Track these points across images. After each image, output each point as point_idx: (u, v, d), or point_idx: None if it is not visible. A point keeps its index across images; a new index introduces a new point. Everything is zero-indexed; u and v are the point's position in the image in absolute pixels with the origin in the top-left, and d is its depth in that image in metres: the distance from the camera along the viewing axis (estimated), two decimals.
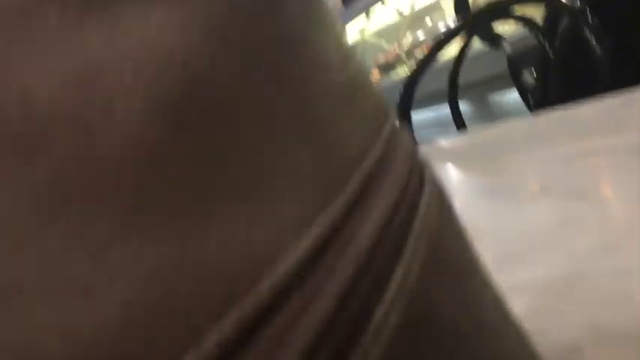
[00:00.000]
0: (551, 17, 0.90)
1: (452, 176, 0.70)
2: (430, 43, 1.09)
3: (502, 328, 0.16)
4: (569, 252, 0.40)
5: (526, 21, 0.96)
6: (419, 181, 0.15)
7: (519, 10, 0.98)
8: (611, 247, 0.38)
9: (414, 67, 1.04)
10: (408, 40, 3.78)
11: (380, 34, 4.48)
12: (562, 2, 0.79)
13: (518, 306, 0.37)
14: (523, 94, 1.08)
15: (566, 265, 0.38)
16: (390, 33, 4.27)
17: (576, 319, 0.33)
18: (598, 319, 0.32)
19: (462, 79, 2.96)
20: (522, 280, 0.39)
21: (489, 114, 2.85)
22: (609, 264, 0.36)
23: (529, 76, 1.01)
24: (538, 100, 0.95)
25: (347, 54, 0.15)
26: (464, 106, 3.23)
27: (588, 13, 0.74)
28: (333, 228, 0.10)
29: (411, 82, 1.03)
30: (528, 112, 1.08)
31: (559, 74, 0.85)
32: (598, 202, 0.44)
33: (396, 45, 3.96)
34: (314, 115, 0.11)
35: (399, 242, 0.12)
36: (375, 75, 4.26)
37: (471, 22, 0.99)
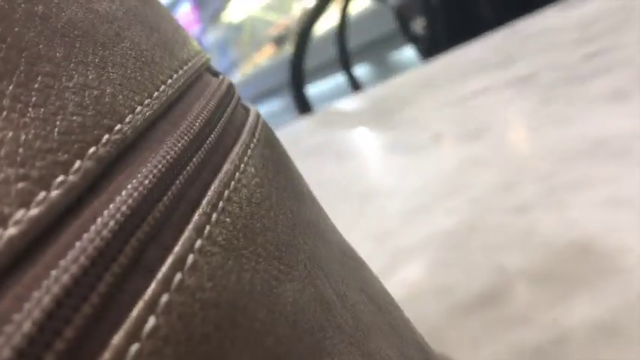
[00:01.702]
0: None
1: (351, 138, 0.67)
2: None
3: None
4: (470, 196, 0.38)
5: None
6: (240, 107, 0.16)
7: None
8: (510, 184, 0.36)
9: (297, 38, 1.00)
10: (296, 9, 3.74)
11: (267, 7, 4.41)
12: None
13: (426, 261, 0.35)
14: (415, 45, 1.07)
15: (467, 209, 0.37)
16: (277, 5, 4.21)
17: (482, 265, 0.31)
18: (504, 263, 0.30)
19: (355, 43, 2.97)
20: (427, 233, 0.37)
21: (390, 73, 2.87)
22: (509, 202, 0.34)
23: (418, 26, 1.00)
24: (428, 48, 0.94)
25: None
26: (363, 70, 3.26)
27: None
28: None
29: (298, 53, 0.99)
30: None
31: (444, 19, 0.84)
32: (493, 139, 0.42)
33: (286, 17, 3.91)
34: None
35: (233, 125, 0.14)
36: (270, 50, 4.21)
37: None
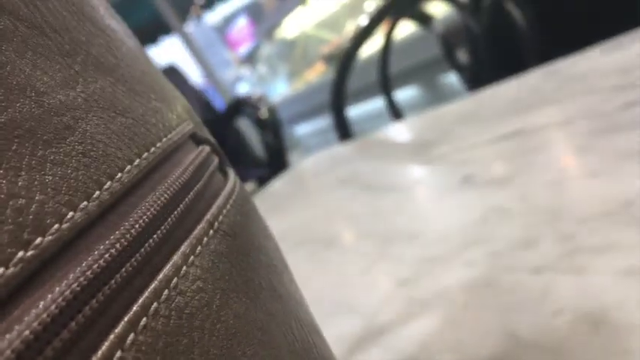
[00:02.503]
0: None
1: (384, 171, 0.67)
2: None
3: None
4: (490, 250, 0.36)
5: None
6: (219, 172, 0.17)
7: None
8: (531, 241, 0.34)
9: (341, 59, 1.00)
10: (349, 28, 3.76)
11: (321, 25, 4.45)
12: None
13: (439, 316, 0.34)
14: (459, 73, 1.05)
15: (486, 264, 0.35)
16: (331, 23, 4.24)
17: (494, 328, 0.29)
18: (516, 328, 0.28)
19: (403, 66, 2.96)
20: (444, 285, 0.36)
21: (437, 97, 2.85)
22: (528, 260, 0.33)
23: (463, 55, 0.99)
24: (472, 78, 0.92)
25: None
26: (410, 92, 3.25)
27: None
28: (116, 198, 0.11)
29: (340, 76, 0.99)
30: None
31: (488, 50, 0.82)
32: (520, 188, 0.41)
33: (338, 35, 3.93)
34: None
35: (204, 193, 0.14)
36: (320, 67, 4.23)
37: (395, 4, 0.95)
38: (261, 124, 1.50)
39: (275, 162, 1.50)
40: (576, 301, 0.28)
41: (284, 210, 0.81)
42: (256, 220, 0.17)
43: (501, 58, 0.79)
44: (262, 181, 1.74)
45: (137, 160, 0.13)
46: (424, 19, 1.07)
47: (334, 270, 0.49)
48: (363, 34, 0.94)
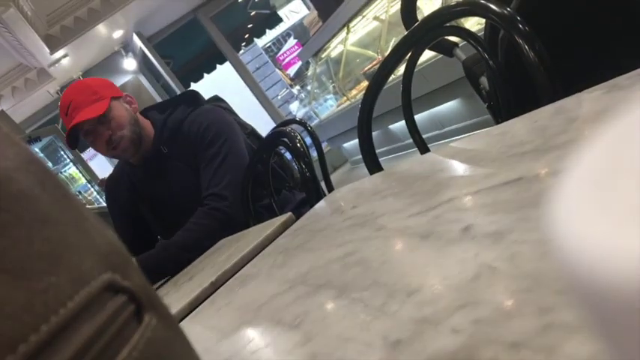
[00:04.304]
0: (492, 26, 0.86)
1: (392, 215, 0.67)
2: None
3: None
4: (473, 317, 0.36)
5: (465, 34, 0.92)
6: (134, 319, 0.17)
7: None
8: (511, 311, 0.33)
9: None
10: (389, 45, 3.76)
11: (362, 43, 4.47)
12: (495, 11, 0.74)
13: None
14: (483, 100, 1.03)
15: (468, 332, 0.35)
16: (371, 41, 4.25)
17: None
18: None
19: (444, 82, 2.92)
20: (425, 356, 0.36)
21: (479, 111, 2.81)
22: (507, 334, 0.32)
23: (485, 82, 0.97)
24: (494, 107, 0.91)
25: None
26: (455, 105, 3.21)
27: (520, 21, 0.69)
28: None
29: (368, 101, 0.99)
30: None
31: (505, 83, 0.81)
32: (512, 246, 0.40)
33: (379, 52, 3.93)
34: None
35: None
36: (364, 84, 4.24)
37: (416, 39, 0.94)
38: (295, 154, 1.52)
39: (309, 190, 1.51)
40: None
41: (308, 248, 0.82)
42: None
43: (516, 92, 0.77)
44: (300, 206, 1.75)
45: (9, 357, 0.13)
46: (446, 49, 1.07)
47: (340, 323, 0.50)
48: (387, 65, 0.94)
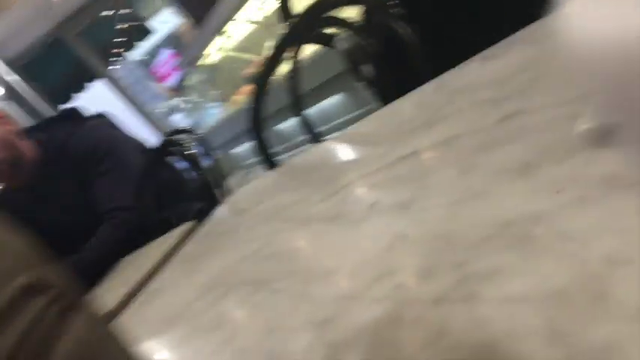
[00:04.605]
0: (367, 13, 0.89)
1: (297, 204, 0.67)
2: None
3: None
4: (393, 284, 0.37)
5: (343, 24, 0.95)
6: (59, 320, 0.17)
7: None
8: (429, 271, 0.35)
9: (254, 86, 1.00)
10: (269, 46, 3.77)
11: (240, 47, 4.45)
12: None
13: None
14: (367, 87, 1.07)
15: (390, 300, 0.36)
16: (251, 44, 4.24)
17: None
18: None
19: (323, 78, 2.98)
20: (353, 329, 0.37)
21: (365, 102, 2.89)
22: (428, 292, 0.33)
23: (368, 69, 1.01)
24: (377, 92, 0.94)
25: None
26: (340, 98, 3.28)
27: (392, 4, 0.73)
28: None
29: (256, 103, 0.99)
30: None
31: (385, 67, 0.84)
32: (418, 214, 0.42)
33: (258, 55, 3.94)
34: None
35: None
36: (247, 89, 4.22)
37: (295, 35, 0.96)
38: (187, 161, 1.49)
39: (206, 196, 1.48)
40: (470, 332, 0.28)
41: (216, 251, 0.81)
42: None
43: (398, 73, 0.81)
44: (199, 216, 1.72)
45: None
46: (326, 41, 1.09)
47: (263, 315, 0.50)
48: (270, 65, 0.95)
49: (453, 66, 0.60)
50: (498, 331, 0.27)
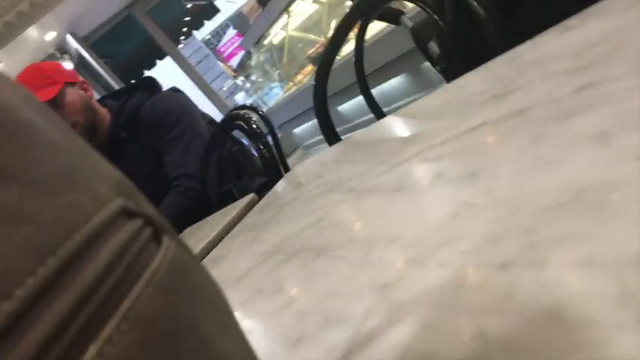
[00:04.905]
0: None
1: (362, 175, 0.67)
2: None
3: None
4: (459, 249, 0.37)
5: None
6: (153, 241, 0.17)
7: None
8: (497, 237, 0.35)
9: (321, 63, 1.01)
10: (330, 27, 3.76)
11: (304, 27, 4.46)
12: None
13: (415, 323, 0.35)
14: (433, 64, 1.06)
15: (455, 264, 0.36)
16: (314, 25, 4.24)
17: (466, 331, 0.30)
18: (485, 329, 0.29)
19: (390, 57, 2.95)
20: (420, 289, 0.37)
21: (425, 84, 2.86)
22: (495, 257, 0.33)
23: (435, 46, 0.99)
24: (445, 69, 0.93)
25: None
26: (402, 80, 3.25)
27: None
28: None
29: (320, 81, 0.99)
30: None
31: (455, 42, 0.83)
32: (486, 183, 0.41)
33: (322, 35, 3.93)
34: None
35: (126, 280, 0.15)
36: (310, 69, 4.24)
37: (363, 8, 0.95)
38: (251, 136, 1.51)
39: (270, 171, 1.51)
40: (538, 297, 0.28)
41: (277, 221, 0.82)
42: (193, 292, 0.17)
43: (468, 49, 0.79)
44: (261, 190, 1.75)
45: (40, 269, 0.13)
46: (393, 18, 1.08)
47: (323, 280, 0.50)
48: (335, 42, 0.95)
49: (527, 40, 0.59)
50: (567, 294, 0.27)
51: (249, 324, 0.56)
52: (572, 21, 0.51)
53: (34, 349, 0.11)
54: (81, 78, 1.74)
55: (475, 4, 0.70)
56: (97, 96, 1.84)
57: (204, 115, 1.90)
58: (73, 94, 1.65)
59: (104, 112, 1.74)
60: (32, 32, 6.18)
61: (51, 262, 0.13)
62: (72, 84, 1.66)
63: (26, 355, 0.11)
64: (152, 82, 1.85)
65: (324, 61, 1.02)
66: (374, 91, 1.11)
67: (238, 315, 0.61)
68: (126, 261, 0.15)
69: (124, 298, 0.14)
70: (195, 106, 1.88)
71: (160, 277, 0.16)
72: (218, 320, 0.18)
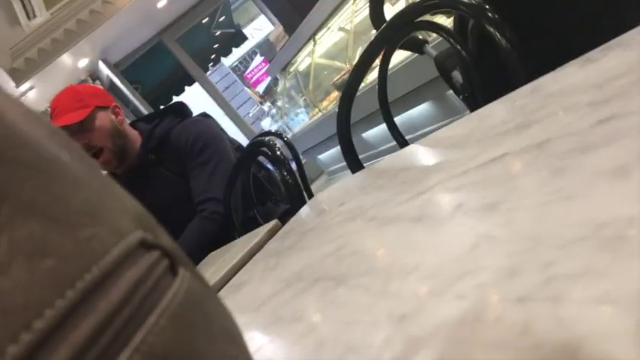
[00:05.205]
0: (460, 18, 0.89)
1: (384, 203, 0.68)
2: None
3: None
4: (476, 282, 0.37)
5: (436, 28, 0.94)
6: (169, 273, 0.18)
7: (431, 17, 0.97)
8: (514, 271, 0.35)
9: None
10: (356, 55, 3.79)
11: (330, 55, 4.50)
12: (464, 2, 0.76)
13: (425, 359, 0.34)
14: (457, 93, 1.06)
15: (472, 297, 0.36)
16: (339, 52, 4.29)
17: None
18: None
19: (423, 80, 2.96)
20: (437, 321, 0.37)
21: (452, 112, 2.85)
22: (511, 291, 0.33)
23: (458, 75, 1.00)
24: (468, 98, 0.93)
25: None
26: (427, 107, 3.25)
27: (490, 10, 0.72)
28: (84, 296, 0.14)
29: (344, 108, 1.01)
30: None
31: (478, 72, 0.83)
32: (505, 215, 0.41)
33: (347, 62, 3.97)
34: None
35: (141, 312, 0.15)
36: (335, 95, 4.27)
37: (387, 38, 0.96)
38: (275, 162, 1.53)
39: (294, 197, 1.51)
40: (554, 333, 0.28)
41: (299, 248, 0.82)
42: (206, 325, 0.18)
43: (491, 80, 0.79)
44: (284, 217, 1.76)
45: (58, 301, 0.13)
46: (417, 47, 1.09)
47: (342, 309, 0.50)
48: (359, 69, 0.96)
49: (549, 71, 0.59)
50: (584, 331, 0.27)
51: (268, 351, 0.56)
52: (594, 53, 0.51)
53: None
54: (114, 102, 1.77)
55: (498, 35, 0.71)
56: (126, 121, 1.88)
57: (232, 141, 1.93)
58: (103, 119, 1.68)
59: (135, 135, 1.77)
60: (66, 59, 6.35)
61: (69, 294, 0.13)
62: (104, 108, 1.70)
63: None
64: (183, 107, 1.88)
65: (348, 87, 1.04)
66: (400, 118, 1.11)
67: (258, 342, 0.61)
68: (142, 293, 0.15)
69: (137, 329, 0.15)
70: (224, 132, 1.91)
71: (173, 309, 0.16)
72: (230, 353, 0.18)
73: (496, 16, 0.71)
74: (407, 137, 1.12)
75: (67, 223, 0.15)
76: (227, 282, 1.01)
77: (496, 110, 0.62)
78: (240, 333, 0.21)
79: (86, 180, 0.17)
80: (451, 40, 0.89)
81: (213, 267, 1.25)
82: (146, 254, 0.17)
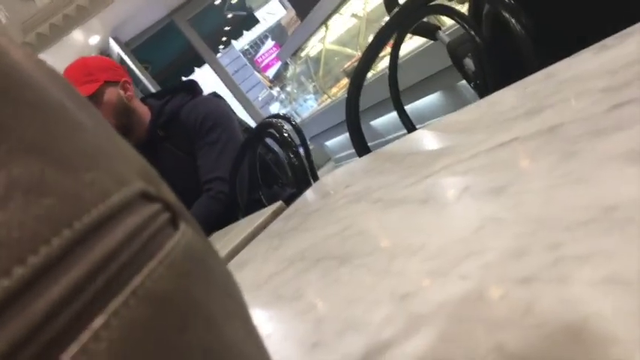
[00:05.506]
0: (475, 3, 0.88)
1: (390, 185, 0.67)
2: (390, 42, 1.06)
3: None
4: (481, 262, 0.36)
5: (451, 12, 0.93)
6: (170, 226, 0.18)
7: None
8: (520, 251, 0.34)
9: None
10: (367, 42, 3.77)
11: (341, 41, 4.48)
12: None
13: (433, 333, 0.34)
14: (469, 80, 1.05)
15: (477, 277, 0.35)
16: (351, 39, 4.27)
17: (483, 344, 0.30)
18: (503, 343, 0.29)
19: (426, 73, 2.94)
20: (440, 300, 0.36)
21: (459, 101, 2.84)
22: (516, 272, 0.33)
23: (470, 63, 0.99)
24: (480, 85, 0.92)
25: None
26: (438, 97, 3.24)
27: None
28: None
29: (353, 94, 1.00)
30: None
31: (491, 59, 0.83)
32: (513, 198, 0.41)
33: (358, 49, 3.95)
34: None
35: (139, 258, 0.15)
36: (345, 82, 4.25)
37: (399, 21, 0.95)
38: (283, 145, 1.53)
39: (300, 181, 1.51)
40: (559, 313, 0.28)
41: (303, 229, 0.82)
42: (205, 277, 0.18)
43: (504, 67, 0.78)
44: (290, 200, 1.76)
45: (54, 239, 0.13)
46: (430, 33, 1.08)
47: (344, 287, 0.50)
48: (369, 54, 0.95)
49: (563, 58, 0.58)
50: (589, 311, 0.26)
51: (267, 328, 0.56)
52: (610, 40, 0.50)
53: (42, 315, 0.12)
54: (125, 77, 1.75)
55: (513, 21, 0.70)
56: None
57: (242, 123, 1.92)
58: (111, 94, 1.67)
59: (144, 111, 1.77)
60: (77, 35, 6.35)
61: (66, 233, 0.13)
62: (113, 83, 1.69)
63: (34, 320, 0.11)
64: (194, 85, 1.88)
65: (358, 73, 1.03)
66: (409, 107, 1.10)
67: (257, 319, 0.61)
68: (140, 240, 0.15)
69: (135, 274, 0.14)
70: (234, 113, 1.90)
71: (173, 259, 0.16)
72: (228, 307, 0.18)
73: (512, 1, 0.71)
74: (417, 126, 1.11)
75: (68, 165, 0.15)
76: (230, 260, 1.01)
77: (507, 96, 0.62)
78: (240, 291, 0.21)
79: (89, 126, 0.17)
80: (465, 25, 0.88)
81: (217, 245, 1.25)
82: (147, 205, 0.17)
